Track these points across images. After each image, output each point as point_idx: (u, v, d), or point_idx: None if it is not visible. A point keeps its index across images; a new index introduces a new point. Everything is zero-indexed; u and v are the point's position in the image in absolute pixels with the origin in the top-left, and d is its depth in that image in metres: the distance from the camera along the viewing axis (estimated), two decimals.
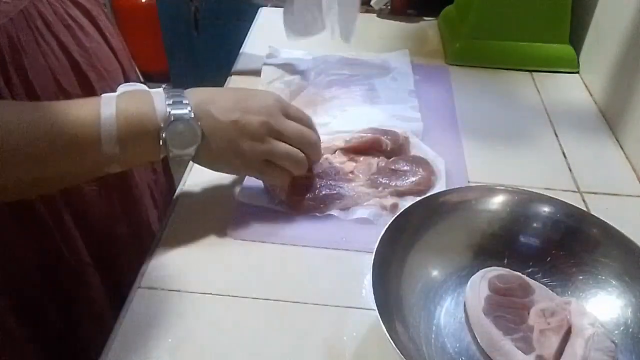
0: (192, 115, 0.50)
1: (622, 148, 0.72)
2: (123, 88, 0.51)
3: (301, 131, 0.57)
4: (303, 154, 0.56)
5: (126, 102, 0.49)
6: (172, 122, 0.49)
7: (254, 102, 0.55)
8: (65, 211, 0.58)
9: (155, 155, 0.51)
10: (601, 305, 0.47)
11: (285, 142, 0.55)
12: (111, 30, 0.66)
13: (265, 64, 0.84)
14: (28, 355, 0.58)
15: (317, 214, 0.59)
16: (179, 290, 0.52)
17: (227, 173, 0.59)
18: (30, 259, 0.57)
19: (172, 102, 0.50)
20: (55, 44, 0.55)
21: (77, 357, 0.64)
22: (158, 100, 0.50)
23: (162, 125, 0.49)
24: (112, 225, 0.65)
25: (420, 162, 0.64)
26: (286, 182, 0.58)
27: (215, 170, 0.57)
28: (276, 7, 1.05)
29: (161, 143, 0.50)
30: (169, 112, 0.49)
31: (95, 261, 0.63)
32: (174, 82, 2.30)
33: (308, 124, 0.59)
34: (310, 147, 0.57)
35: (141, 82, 0.74)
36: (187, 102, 0.51)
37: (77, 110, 0.48)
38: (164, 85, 0.53)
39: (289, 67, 0.83)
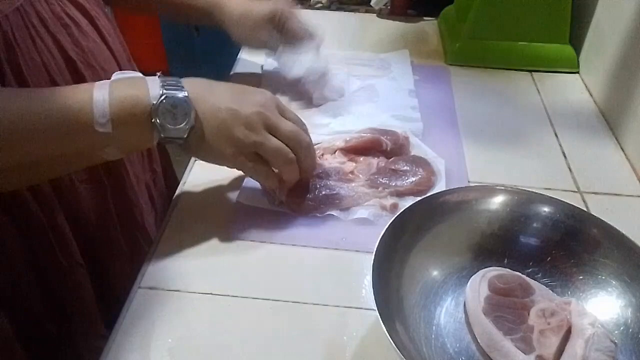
0: (186, 95, 0.51)
1: (622, 148, 0.72)
2: (118, 75, 0.52)
3: (296, 130, 0.56)
4: (294, 155, 0.56)
5: (120, 84, 0.50)
6: (164, 101, 0.50)
7: (251, 95, 0.56)
8: (59, 210, 0.58)
9: (149, 137, 0.51)
10: (601, 305, 0.47)
11: (278, 139, 0.55)
12: (110, 31, 0.66)
13: (264, 65, 0.84)
14: (19, 354, 0.58)
15: (317, 215, 0.59)
16: (179, 290, 0.52)
17: (217, 162, 0.57)
18: (22, 258, 0.57)
19: (167, 84, 0.51)
20: (51, 41, 0.55)
21: (68, 357, 0.64)
22: (152, 83, 0.51)
23: (154, 103, 0.50)
24: (106, 226, 0.65)
25: (420, 162, 0.64)
26: (273, 183, 0.57)
27: (206, 160, 0.57)
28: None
29: (153, 121, 0.50)
30: (162, 92, 0.50)
31: (87, 262, 0.63)
32: None
33: (302, 127, 0.58)
34: (302, 149, 0.56)
35: None
36: (182, 86, 0.52)
37: (72, 92, 0.49)
38: (159, 73, 0.54)
39: (289, 68, 0.83)
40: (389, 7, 1.03)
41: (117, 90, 0.49)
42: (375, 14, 1.04)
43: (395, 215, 0.49)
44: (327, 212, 0.59)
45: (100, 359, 0.46)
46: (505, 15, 0.86)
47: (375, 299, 0.42)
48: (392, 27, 1.01)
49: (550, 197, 0.52)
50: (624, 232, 0.48)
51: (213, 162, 0.57)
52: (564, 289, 0.49)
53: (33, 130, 0.47)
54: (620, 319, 0.46)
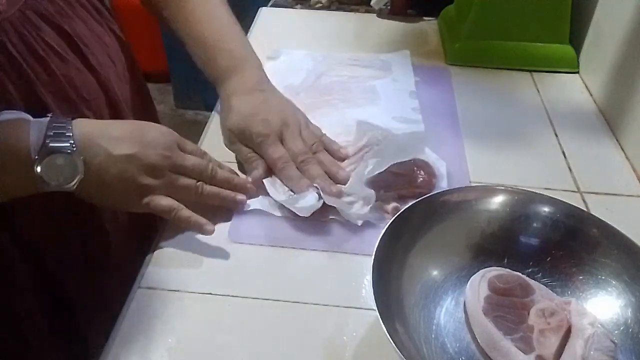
0: (74, 149, 0.48)
1: (622, 148, 0.72)
2: (1, 116, 0.48)
3: (200, 164, 0.56)
4: (206, 187, 0.56)
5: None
6: (49, 155, 0.47)
7: (150, 135, 0.54)
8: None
9: (31, 188, 0.48)
10: (601, 305, 0.47)
11: (184, 175, 0.55)
12: (99, 58, 0.61)
13: (265, 66, 0.84)
14: None
15: (318, 218, 0.59)
16: (179, 290, 0.52)
17: (120, 208, 0.56)
18: None
19: (53, 133, 0.48)
20: (15, 77, 0.52)
21: None
22: (35, 130, 0.47)
23: (36, 157, 0.46)
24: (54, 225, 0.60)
25: (421, 165, 0.64)
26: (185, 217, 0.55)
27: (105, 206, 0.55)
28: (276, 6, 1.06)
29: (38, 172, 0.47)
30: (47, 143, 0.47)
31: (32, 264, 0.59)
32: (174, 82, 2.30)
33: (203, 156, 0.58)
34: (210, 178, 0.57)
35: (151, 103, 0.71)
36: (70, 134, 0.48)
37: None
38: (50, 115, 0.50)
39: (289, 70, 0.83)
40: (389, 7, 1.03)
41: None
42: (375, 14, 1.03)
43: (396, 215, 0.49)
44: (328, 215, 0.59)
45: (100, 359, 0.46)
46: (505, 15, 0.86)
47: (375, 299, 0.42)
48: (392, 27, 1.01)
49: (550, 197, 0.52)
50: (624, 232, 0.48)
51: (114, 207, 0.55)
52: (564, 289, 0.49)
53: None
54: (620, 318, 0.46)
